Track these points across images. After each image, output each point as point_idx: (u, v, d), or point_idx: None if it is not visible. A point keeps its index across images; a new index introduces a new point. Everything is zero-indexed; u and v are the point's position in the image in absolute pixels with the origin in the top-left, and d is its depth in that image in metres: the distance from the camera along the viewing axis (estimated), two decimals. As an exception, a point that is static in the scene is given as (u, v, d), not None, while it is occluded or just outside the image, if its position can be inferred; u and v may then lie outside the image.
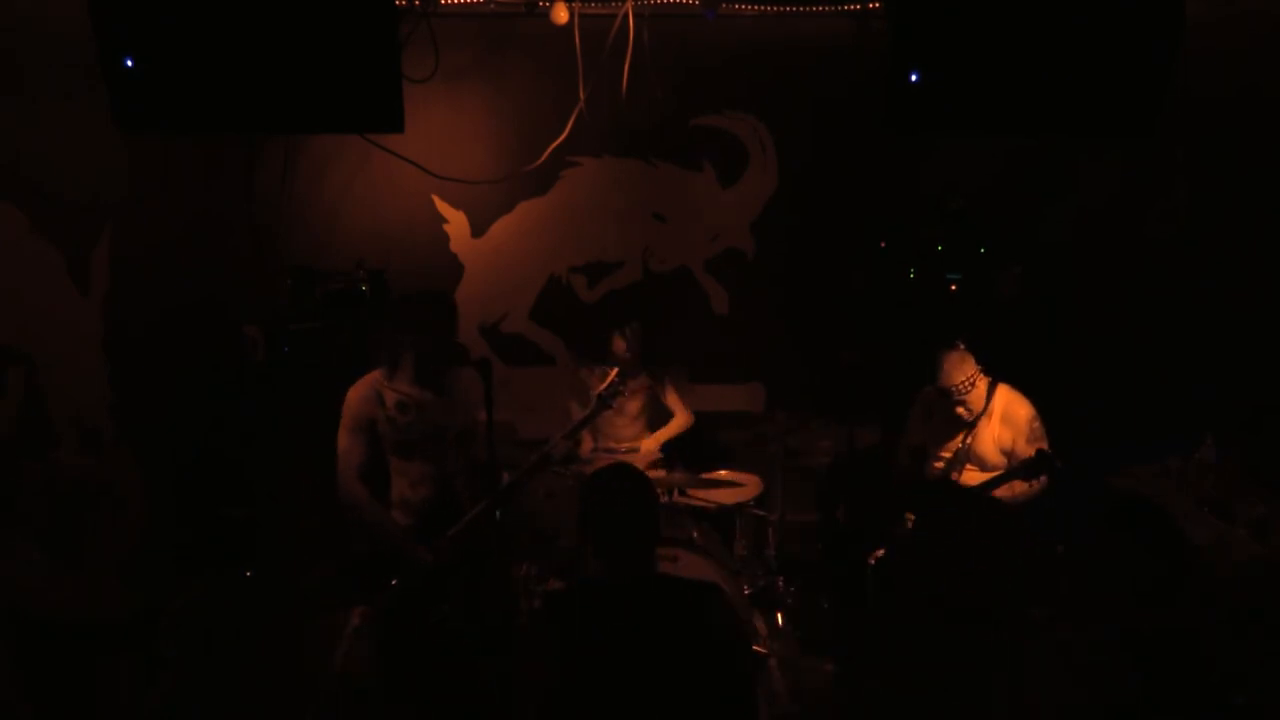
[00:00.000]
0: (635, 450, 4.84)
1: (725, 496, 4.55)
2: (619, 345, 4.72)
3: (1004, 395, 3.96)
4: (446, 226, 5.15)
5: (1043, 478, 3.78)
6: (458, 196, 5.09)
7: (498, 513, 3.52)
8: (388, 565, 3.49)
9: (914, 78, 3.48)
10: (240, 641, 4.03)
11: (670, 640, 2.32)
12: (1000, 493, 3.84)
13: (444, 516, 3.54)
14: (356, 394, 3.50)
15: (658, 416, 4.99)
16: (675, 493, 4.61)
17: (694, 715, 2.29)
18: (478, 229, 5.17)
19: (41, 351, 4.89)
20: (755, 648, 4.13)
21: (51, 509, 4.11)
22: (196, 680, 3.87)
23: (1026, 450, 3.83)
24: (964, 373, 3.88)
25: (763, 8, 4.84)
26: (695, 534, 4.24)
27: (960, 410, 3.93)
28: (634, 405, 4.86)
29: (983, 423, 3.95)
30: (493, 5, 4.75)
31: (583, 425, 3.98)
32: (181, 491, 4.71)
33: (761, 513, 4.75)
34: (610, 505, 2.47)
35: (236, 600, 4.26)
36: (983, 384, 3.93)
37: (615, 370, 4.00)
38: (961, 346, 3.94)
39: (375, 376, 3.54)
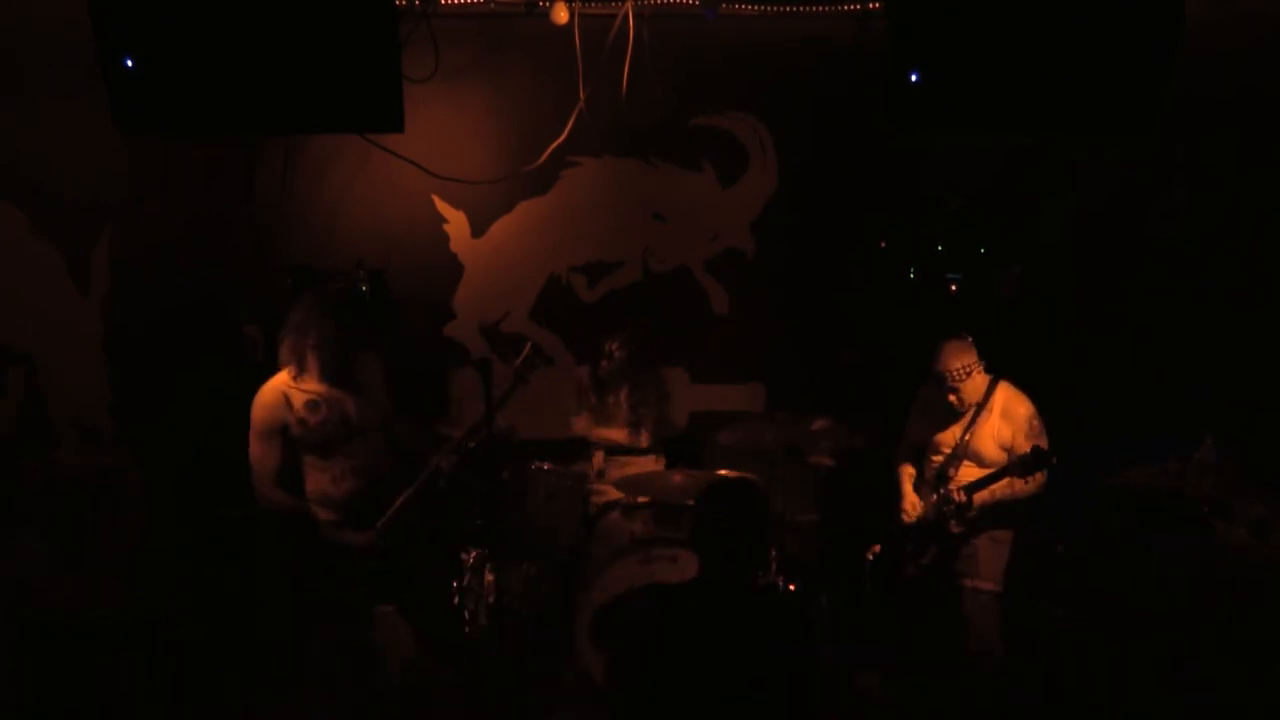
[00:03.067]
0: (635, 451, 4.84)
1: (725, 496, 4.54)
2: (603, 364, 4.72)
3: (1004, 392, 3.95)
4: (446, 226, 5.14)
5: (1040, 475, 3.78)
6: (458, 196, 5.09)
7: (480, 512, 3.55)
8: (322, 567, 3.48)
9: (914, 78, 3.48)
10: (240, 641, 4.03)
11: (755, 645, 2.53)
12: (1000, 490, 3.84)
13: (370, 507, 3.53)
14: (262, 401, 3.47)
15: (660, 419, 4.97)
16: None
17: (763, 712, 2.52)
18: (478, 229, 5.16)
19: (41, 351, 4.89)
20: None
21: (52, 509, 4.11)
22: (197, 680, 3.87)
23: (1025, 447, 3.83)
24: (961, 360, 3.85)
25: (763, 7, 4.83)
26: (695, 534, 4.24)
27: (952, 398, 3.90)
28: (627, 409, 4.85)
29: (982, 418, 3.94)
30: (493, 5, 4.75)
31: (502, 401, 3.88)
32: (181, 491, 4.71)
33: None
34: (719, 518, 2.68)
35: (237, 600, 4.26)
36: (981, 378, 3.92)
37: (530, 344, 3.97)
38: (968, 339, 3.92)
39: (281, 379, 3.50)
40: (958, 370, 3.85)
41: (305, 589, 3.51)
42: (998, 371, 3.97)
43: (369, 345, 3.65)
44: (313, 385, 3.49)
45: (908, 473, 4.19)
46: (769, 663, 2.52)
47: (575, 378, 4.90)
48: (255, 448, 3.45)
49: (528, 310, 5.25)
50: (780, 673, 2.52)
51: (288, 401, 3.45)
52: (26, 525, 4.00)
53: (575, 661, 4.06)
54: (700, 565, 2.73)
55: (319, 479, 3.52)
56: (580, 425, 4.87)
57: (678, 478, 4.57)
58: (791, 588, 4.04)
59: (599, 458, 4.84)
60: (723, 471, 4.46)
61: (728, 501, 2.75)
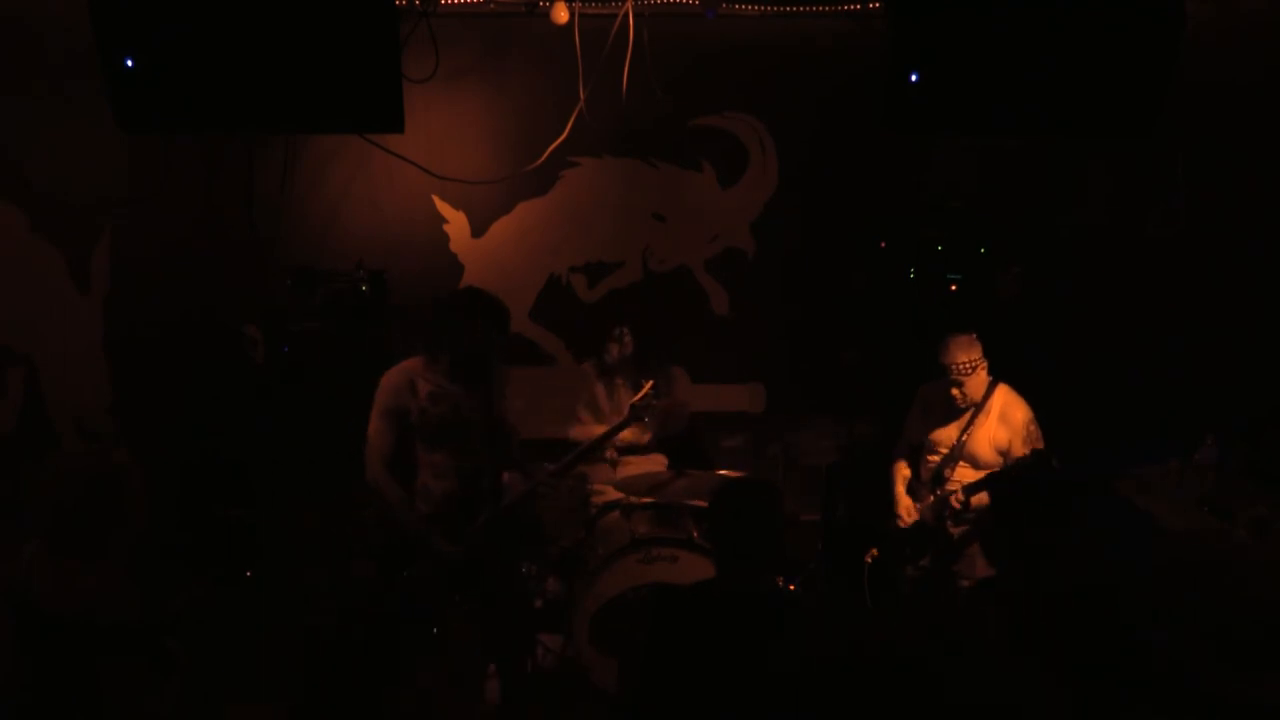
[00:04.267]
0: (639, 452, 4.84)
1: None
2: (612, 349, 4.71)
3: (1003, 395, 3.95)
4: (446, 226, 5.14)
5: None
6: (458, 196, 5.09)
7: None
8: (405, 554, 3.50)
9: (914, 78, 3.48)
10: (242, 642, 4.03)
11: (755, 646, 2.46)
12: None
13: (463, 510, 3.53)
14: (390, 380, 3.49)
15: (668, 415, 4.95)
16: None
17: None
18: (478, 229, 5.16)
19: (41, 352, 4.90)
20: None
21: (52, 509, 4.11)
22: (198, 681, 3.87)
23: (1022, 452, 3.83)
24: (968, 354, 3.85)
25: (763, 7, 4.84)
26: (695, 534, 4.24)
27: (955, 392, 3.89)
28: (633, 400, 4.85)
29: (980, 420, 3.95)
30: (493, 5, 4.76)
31: (614, 433, 3.95)
32: (182, 492, 4.71)
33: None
34: (734, 520, 2.61)
35: (237, 600, 4.26)
36: (985, 376, 3.92)
37: (650, 383, 3.96)
38: (974, 334, 3.92)
39: (411, 364, 3.52)
40: (964, 363, 3.85)
41: (382, 579, 3.56)
42: (997, 373, 3.97)
43: (501, 356, 3.63)
44: (441, 380, 3.50)
45: (901, 474, 4.19)
46: (769, 663, 2.52)
47: (581, 373, 4.87)
48: (374, 424, 3.48)
49: (528, 310, 5.24)
50: (780, 673, 2.52)
51: (413, 387, 3.47)
52: (27, 526, 4.00)
53: (575, 661, 4.06)
54: (717, 569, 2.68)
55: (424, 471, 3.54)
56: (579, 431, 4.80)
57: (678, 478, 4.58)
58: (792, 588, 4.04)
59: (612, 455, 4.81)
60: (723, 471, 4.46)
61: (745, 503, 2.69)
